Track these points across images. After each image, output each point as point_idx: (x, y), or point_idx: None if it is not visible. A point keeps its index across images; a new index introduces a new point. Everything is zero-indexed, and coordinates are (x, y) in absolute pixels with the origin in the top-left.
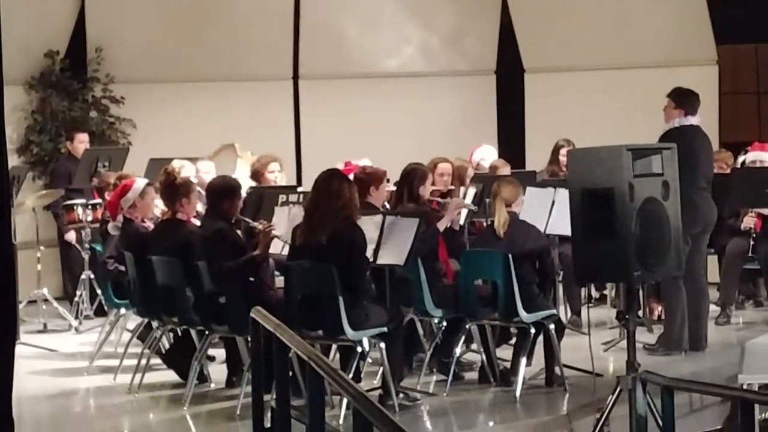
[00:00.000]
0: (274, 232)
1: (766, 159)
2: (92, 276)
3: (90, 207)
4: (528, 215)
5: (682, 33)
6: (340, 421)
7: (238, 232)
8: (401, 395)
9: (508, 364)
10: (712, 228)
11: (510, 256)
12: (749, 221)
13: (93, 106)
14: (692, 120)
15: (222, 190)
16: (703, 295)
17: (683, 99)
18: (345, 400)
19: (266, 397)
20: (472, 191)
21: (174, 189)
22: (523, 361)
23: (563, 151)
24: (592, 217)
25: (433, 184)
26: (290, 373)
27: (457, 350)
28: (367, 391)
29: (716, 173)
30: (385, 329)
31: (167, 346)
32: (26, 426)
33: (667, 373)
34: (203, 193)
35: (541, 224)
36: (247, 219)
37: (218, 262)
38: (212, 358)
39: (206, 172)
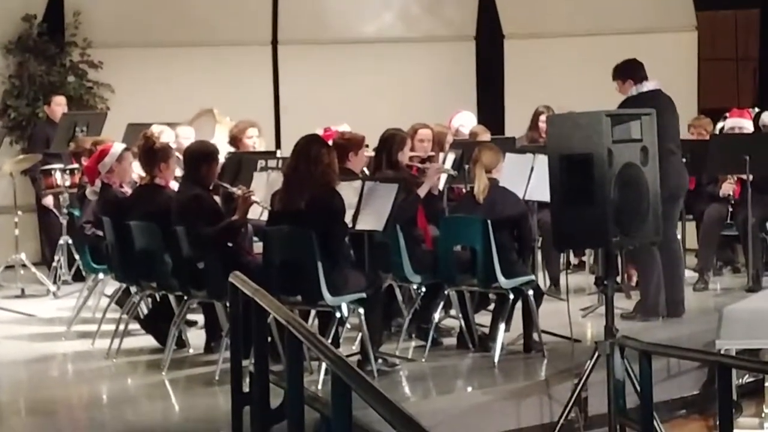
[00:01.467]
0: (252, 198)
1: (744, 125)
2: (70, 241)
3: (68, 172)
4: (507, 181)
5: None
6: (319, 386)
7: (217, 198)
8: (380, 360)
9: (486, 330)
10: (683, 193)
11: (489, 222)
12: (728, 188)
13: (71, 70)
14: (648, 85)
15: (199, 155)
16: (678, 260)
17: (625, 71)
18: (324, 366)
19: (245, 363)
20: (451, 157)
21: (153, 154)
22: (502, 326)
23: (542, 118)
24: (570, 183)
25: (413, 149)
26: (269, 339)
27: (436, 316)
28: (346, 356)
29: (695, 140)
30: (363, 295)
31: (145, 311)
32: (4, 390)
33: (645, 339)
34: (182, 158)
35: (520, 190)
36: (225, 184)
37: (196, 228)
38: (194, 323)
39: (185, 137)
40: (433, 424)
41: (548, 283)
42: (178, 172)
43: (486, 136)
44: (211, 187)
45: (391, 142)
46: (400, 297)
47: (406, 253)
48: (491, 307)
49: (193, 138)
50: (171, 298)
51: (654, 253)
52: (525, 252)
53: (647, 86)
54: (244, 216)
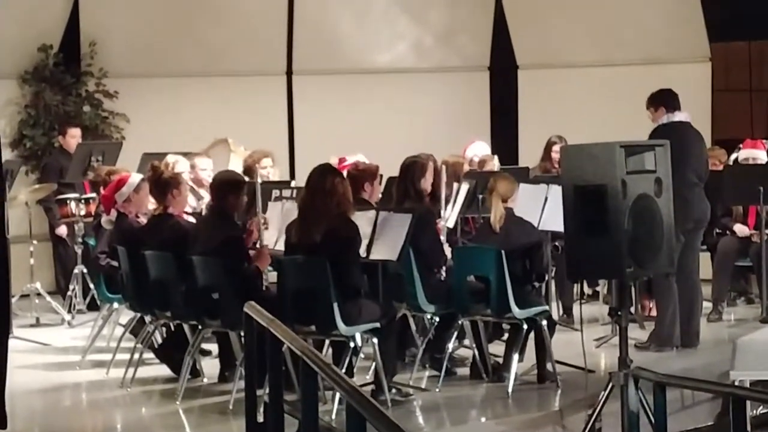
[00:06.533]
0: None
1: (758, 156)
2: (85, 270)
3: (83, 201)
4: (521, 212)
5: (675, 30)
6: (333, 416)
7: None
8: (394, 390)
9: (500, 360)
10: (705, 224)
11: (503, 252)
12: (742, 229)
13: (86, 100)
14: (679, 116)
15: (226, 186)
16: (696, 292)
17: (659, 99)
18: (338, 395)
19: (259, 392)
20: (465, 187)
21: (162, 184)
22: (515, 356)
23: (555, 148)
24: (584, 214)
25: None
26: (283, 368)
27: (450, 346)
28: (360, 386)
29: (709, 170)
30: (377, 325)
31: (160, 340)
32: (19, 420)
33: (659, 370)
34: (196, 188)
35: (534, 221)
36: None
37: (233, 264)
38: (208, 353)
39: (203, 168)
40: None
41: (561, 312)
42: (193, 201)
43: (493, 162)
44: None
45: (412, 170)
46: (413, 327)
47: (420, 282)
48: (505, 337)
49: (211, 169)
50: (185, 327)
51: (671, 284)
52: (537, 280)
53: (678, 116)
54: (265, 266)
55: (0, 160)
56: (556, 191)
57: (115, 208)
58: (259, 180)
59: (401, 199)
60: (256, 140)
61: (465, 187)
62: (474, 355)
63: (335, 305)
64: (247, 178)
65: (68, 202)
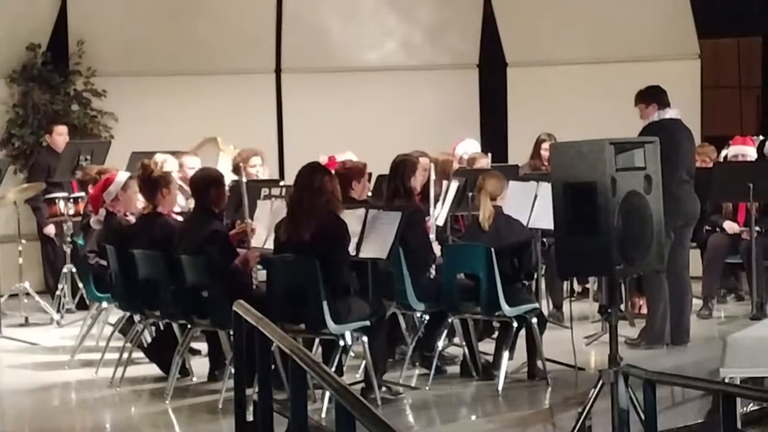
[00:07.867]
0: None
1: (748, 153)
2: (74, 269)
3: (72, 200)
4: (511, 209)
5: (665, 27)
6: (323, 415)
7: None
8: (384, 389)
9: (490, 358)
10: (695, 222)
11: (492, 250)
12: (732, 226)
13: (75, 99)
14: (670, 113)
15: (206, 182)
16: (686, 289)
17: (649, 95)
18: (327, 394)
19: (248, 391)
20: (454, 185)
21: (152, 182)
22: (506, 354)
23: (545, 146)
24: (574, 211)
25: None
26: (272, 367)
27: (440, 344)
28: (350, 384)
29: (699, 167)
30: (367, 323)
31: (149, 339)
32: (8, 420)
33: (649, 367)
34: (185, 187)
35: (524, 218)
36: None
37: (217, 261)
38: (197, 352)
39: (192, 167)
40: None
41: (551, 307)
42: (182, 200)
43: (484, 161)
44: (220, 213)
45: (402, 168)
46: (403, 325)
47: (409, 280)
48: (495, 335)
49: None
50: (174, 326)
51: (662, 281)
52: (526, 279)
53: (670, 113)
54: (251, 268)
55: None
56: (545, 189)
57: (103, 207)
58: (244, 179)
59: (391, 197)
60: (245, 139)
61: (455, 184)
62: (464, 353)
63: (325, 303)
64: (236, 177)
65: (57, 201)
